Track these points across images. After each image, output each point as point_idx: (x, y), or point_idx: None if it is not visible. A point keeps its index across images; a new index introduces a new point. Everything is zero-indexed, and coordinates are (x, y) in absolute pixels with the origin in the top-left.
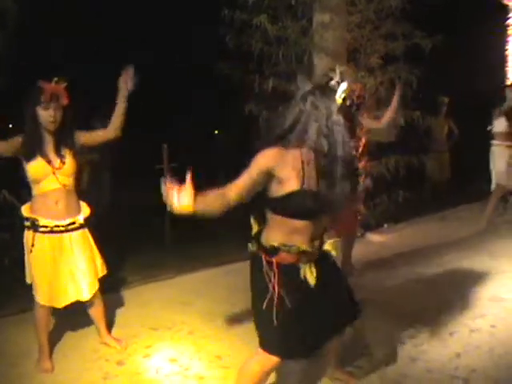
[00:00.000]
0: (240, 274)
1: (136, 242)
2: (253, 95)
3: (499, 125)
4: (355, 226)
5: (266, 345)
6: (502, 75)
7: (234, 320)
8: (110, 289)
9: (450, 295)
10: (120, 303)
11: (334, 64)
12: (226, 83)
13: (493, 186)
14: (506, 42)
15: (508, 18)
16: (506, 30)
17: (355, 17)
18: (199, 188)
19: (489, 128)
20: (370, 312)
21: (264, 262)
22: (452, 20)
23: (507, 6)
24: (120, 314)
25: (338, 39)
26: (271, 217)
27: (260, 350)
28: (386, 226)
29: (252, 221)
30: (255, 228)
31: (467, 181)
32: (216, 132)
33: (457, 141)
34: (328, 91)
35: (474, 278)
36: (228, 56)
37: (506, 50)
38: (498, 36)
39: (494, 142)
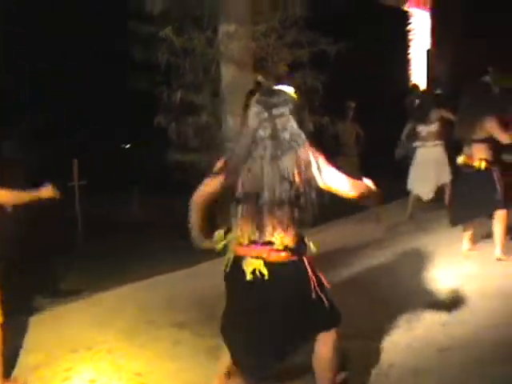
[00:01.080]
0: (157, 289)
1: (47, 260)
2: (162, 107)
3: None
4: None
5: None
6: (406, 78)
7: (154, 336)
8: (25, 312)
9: (370, 295)
10: (36, 327)
11: (240, 73)
12: (136, 96)
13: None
14: (408, 46)
15: (409, 24)
16: (408, 35)
17: (260, 26)
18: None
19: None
20: None
21: None
22: (356, 26)
23: (407, 12)
24: (37, 339)
25: (244, 49)
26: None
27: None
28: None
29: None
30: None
31: (379, 183)
32: (127, 146)
33: (367, 144)
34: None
35: (392, 277)
36: (136, 68)
37: (409, 53)
38: (401, 41)
39: (417, 143)
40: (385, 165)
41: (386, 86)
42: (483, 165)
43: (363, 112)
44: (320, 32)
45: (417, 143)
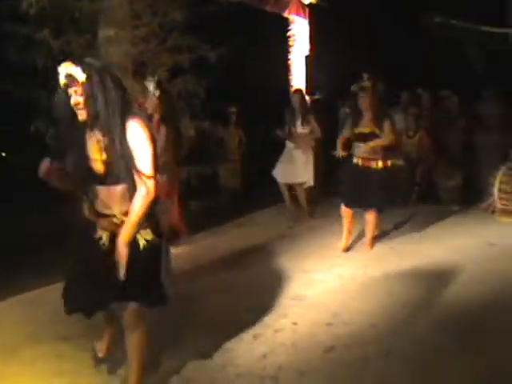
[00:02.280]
0: (34, 304)
1: None
2: (40, 112)
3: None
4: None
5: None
6: (287, 83)
7: (37, 352)
8: None
9: (253, 299)
10: None
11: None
12: (10, 101)
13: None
14: (289, 52)
15: (289, 30)
16: (288, 41)
17: (140, 31)
18: None
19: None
20: (178, 322)
21: None
22: (238, 32)
23: (288, 18)
24: None
25: (124, 53)
26: None
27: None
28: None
29: None
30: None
31: (261, 186)
32: (3, 154)
33: (249, 148)
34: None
35: (276, 280)
36: (11, 71)
37: (289, 59)
38: (282, 47)
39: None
40: (265, 170)
41: (268, 91)
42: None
43: (246, 116)
44: (201, 37)
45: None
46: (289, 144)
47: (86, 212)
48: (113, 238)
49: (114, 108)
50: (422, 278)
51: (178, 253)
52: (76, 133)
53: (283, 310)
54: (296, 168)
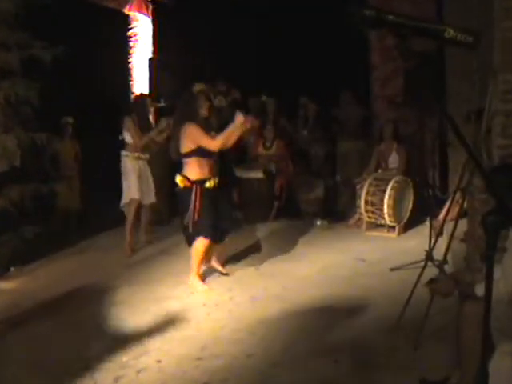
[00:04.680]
0: None
1: None
2: None
3: (128, 136)
4: None
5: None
6: (128, 89)
7: None
8: None
9: (106, 336)
10: None
11: None
12: None
13: (124, 201)
14: (130, 54)
15: (130, 29)
16: (129, 41)
17: None
18: None
19: (120, 137)
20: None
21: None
22: (74, 29)
23: (129, 15)
24: None
25: None
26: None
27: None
28: (12, 269)
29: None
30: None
31: (103, 204)
32: None
33: (87, 163)
34: None
35: (128, 313)
36: None
37: (131, 62)
38: (123, 47)
39: (124, 152)
40: (107, 186)
41: (108, 96)
42: (183, 182)
43: (84, 126)
44: (33, 34)
45: (124, 152)
46: (132, 158)
47: None
48: None
49: None
50: (292, 300)
51: (10, 287)
52: None
53: (143, 347)
54: (149, 186)
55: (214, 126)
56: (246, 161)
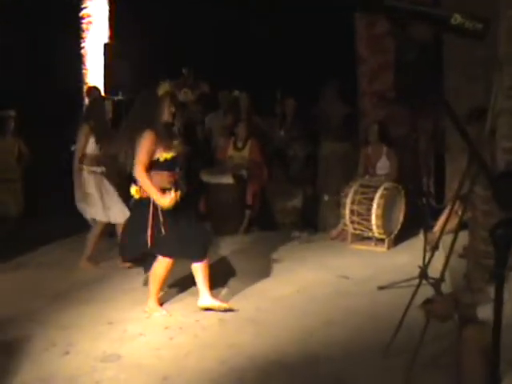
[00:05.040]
0: None
1: None
2: None
3: (89, 145)
4: None
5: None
6: (81, 79)
7: None
8: None
9: (52, 364)
10: None
11: None
12: None
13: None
14: (83, 38)
15: (82, 9)
16: (81, 23)
17: None
18: None
19: (72, 148)
20: None
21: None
22: (19, 12)
23: None
24: None
25: None
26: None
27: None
28: None
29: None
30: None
31: (49, 212)
32: None
33: (30, 164)
34: None
35: (76, 337)
36: None
37: (83, 48)
38: (74, 29)
39: (83, 166)
40: (55, 189)
41: (57, 87)
42: (138, 193)
43: (28, 122)
44: None
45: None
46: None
47: None
48: None
49: None
50: (267, 323)
51: None
52: None
53: (93, 376)
54: (115, 201)
55: (177, 133)
56: (214, 164)
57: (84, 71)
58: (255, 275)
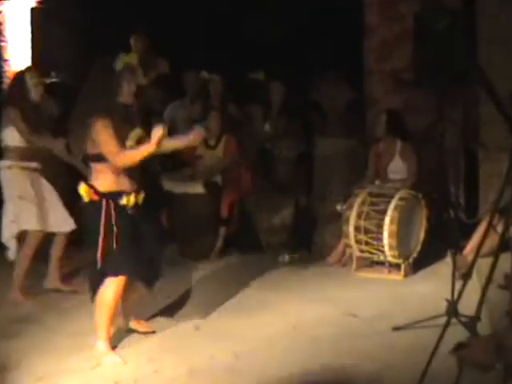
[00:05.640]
0: None
1: None
2: None
3: (11, 137)
4: None
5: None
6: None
7: None
8: None
9: None
10: None
11: None
12: None
13: (8, 234)
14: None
15: None
16: None
17: None
18: None
19: None
20: None
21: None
22: None
23: None
24: None
25: None
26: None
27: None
28: None
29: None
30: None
31: None
32: None
33: None
34: None
35: None
36: None
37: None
38: None
39: (6, 162)
40: None
41: None
42: (88, 194)
43: None
44: None
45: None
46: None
47: None
48: None
49: None
50: (249, 374)
51: None
52: None
53: None
54: (56, 207)
55: (138, 118)
56: (178, 167)
57: (3, 44)
58: (233, 310)
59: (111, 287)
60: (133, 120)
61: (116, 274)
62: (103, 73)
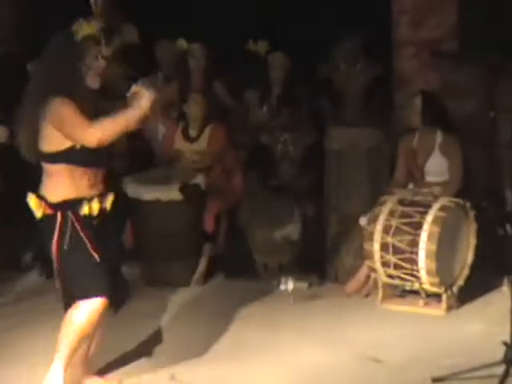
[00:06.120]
0: None
1: None
2: None
3: None
4: None
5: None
6: None
7: None
8: None
9: None
10: None
11: None
12: None
13: None
14: None
15: None
16: None
17: None
18: None
19: None
20: None
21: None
22: None
23: None
24: None
25: None
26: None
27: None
28: None
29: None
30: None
31: None
32: None
33: None
34: None
35: None
36: None
37: None
38: None
39: None
40: None
41: None
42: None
43: None
44: None
45: None
46: None
47: None
48: None
49: None
50: None
51: None
52: None
53: None
54: None
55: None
56: (149, 165)
57: None
58: (219, 354)
59: (87, 313)
60: (99, 106)
61: (93, 296)
62: (62, 46)
